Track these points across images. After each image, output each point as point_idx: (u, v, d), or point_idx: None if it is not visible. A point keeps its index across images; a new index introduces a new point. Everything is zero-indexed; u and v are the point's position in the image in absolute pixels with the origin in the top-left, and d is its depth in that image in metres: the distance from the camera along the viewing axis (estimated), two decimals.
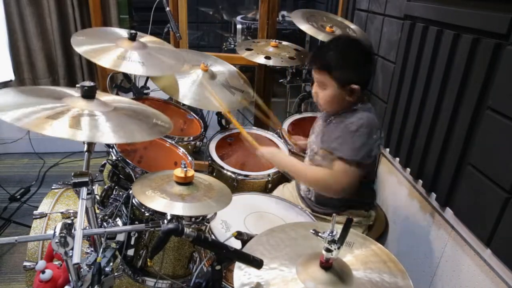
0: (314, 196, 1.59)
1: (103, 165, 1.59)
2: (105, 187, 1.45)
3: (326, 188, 1.44)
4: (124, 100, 1.31)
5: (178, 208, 1.14)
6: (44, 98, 1.07)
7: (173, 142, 1.83)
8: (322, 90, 1.46)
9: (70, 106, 1.06)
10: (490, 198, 1.28)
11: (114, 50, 1.64)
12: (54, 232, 0.94)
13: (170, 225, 0.85)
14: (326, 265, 0.86)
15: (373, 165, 1.62)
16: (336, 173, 1.39)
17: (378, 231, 1.69)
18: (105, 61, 1.57)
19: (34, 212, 1.61)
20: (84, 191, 1.06)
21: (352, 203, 1.56)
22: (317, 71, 1.45)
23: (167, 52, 1.85)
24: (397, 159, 1.86)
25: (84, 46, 1.61)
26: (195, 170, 1.32)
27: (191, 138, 1.95)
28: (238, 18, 3.39)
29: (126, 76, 2.07)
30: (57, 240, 0.93)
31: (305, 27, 2.13)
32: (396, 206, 1.98)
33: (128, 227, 1.27)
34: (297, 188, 1.71)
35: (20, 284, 2.01)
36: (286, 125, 2.24)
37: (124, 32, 1.75)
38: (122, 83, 2.13)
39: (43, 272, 1.18)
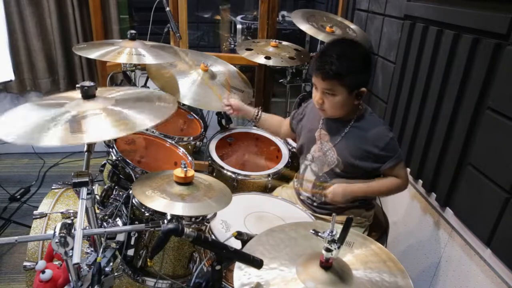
0: (317, 202, 1.59)
1: (103, 165, 1.59)
2: (105, 187, 1.45)
3: (398, 192, 1.53)
4: (122, 89, 1.30)
5: (178, 208, 1.13)
6: (50, 108, 1.08)
7: (173, 142, 1.82)
8: (330, 97, 1.42)
9: (79, 110, 1.06)
10: (490, 198, 1.28)
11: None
12: (54, 232, 0.94)
13: (170, 225, 0.85)
14: (326, 265, 0.86)
15: None
16: (404, 175, 1.51)
17: (378, 231, 1.69)
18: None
19: (34, 212, 1.61)
20: (84, 191, 1.06)
21: (354, 205, 1.56)
22: (324, 79, 1.39)
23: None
24: None
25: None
26: (195, 170, 1.32)
27: (191, 138, 1.95)
28: (238, 18, 3.39)
29: (126, 76, 2.07)
30: (57, 240, 0.93)
31: (305, 27, 2.13)
32: (396, 206, 1.98)
33: (128, 227, 1.27)
34: (296, 192, 1.70)
35: (20, 284, 2.01)
36: None
37: None
38: (122, 83, 2.13)
39: (43, 272, 1.18)
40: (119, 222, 1.33)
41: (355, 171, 1.50)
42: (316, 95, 1.46)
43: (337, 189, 1.48)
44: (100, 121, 1.01)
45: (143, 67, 2.13)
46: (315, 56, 1.47)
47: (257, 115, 1.79)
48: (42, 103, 1.16)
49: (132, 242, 1.29)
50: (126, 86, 2.11)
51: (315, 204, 1.60)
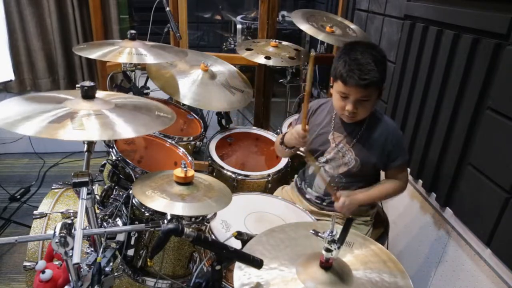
0: (327, 201, 1.60)
1: (103, 165, 1.59)
2: (105, 187, 1.45)
3: (398, 194, 1.56)
4: (123, 96, 1.31)
5: (178, 208, 1.13)
6: (46, 104, 1.08)
7: (173, 142, 1.82)
8: (365, 103, 1.40)
9: (76, 108, 1.06)
10: (490, 198, 1.28)
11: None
12: (54, 232, 0.94)
13: (170, 225, 0.85)
14: (326, 265, 0.86)
15: None
16: (406, 178, 1.55)
17: (378, 231, 1.69)
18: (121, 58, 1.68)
19: (34, 212, 1.61)
20: (84, 191, 1.06)
21: None
22: (366, 88, 1.35)
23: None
24: None
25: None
26: (195, 170, 1.32)
27: (191, 138, 1.95)
28: (238, 18, 3.39)
29: (126, 76, 2.07)
30: (57, 240, 0.93)
31: (305, 27, 2.13)
32: (396, 206, 1.98)
33: (128, 227, 1.27)
34: (300, 192, 1.70)
35: (20, 284, 2.01)
36: (286, 125, 2.25)
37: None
38: (122, 83, 2.12)
39: (43, 272, 1.18)
40: (119, 222, 1.33)
41: (370, 169, 1.52)
42: (345, 104, 1.40)
43: (345, 198, 1.47)
44: (88, 122, 1.01)
45: (143, 67, 2.13)
46: (342, 67, 1.36)
47: None
48: (42, 96, 1.16)
49: (132, 242, 1.29)
50: (126, 86, 2.11)
51: (324, 203, 1.60)
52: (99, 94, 1.17)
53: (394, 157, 1.49)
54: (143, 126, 1.08)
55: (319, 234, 0.88)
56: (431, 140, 1.63)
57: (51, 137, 0.92)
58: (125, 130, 1.03)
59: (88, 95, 1.11)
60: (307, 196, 1.65)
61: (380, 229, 1.70)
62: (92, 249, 1.21)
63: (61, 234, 0.93)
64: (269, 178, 1.85)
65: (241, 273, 0.88)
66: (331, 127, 1.56)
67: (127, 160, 1.48)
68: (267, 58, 2.17)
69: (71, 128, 0.96)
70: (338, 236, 0.84)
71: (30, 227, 1.59)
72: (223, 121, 2.16)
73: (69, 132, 0.95)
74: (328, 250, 0.84)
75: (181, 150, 1.78)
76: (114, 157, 1.49)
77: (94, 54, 1.62)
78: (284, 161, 1.95)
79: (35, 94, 1.18)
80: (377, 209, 1.70)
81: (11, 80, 2.58)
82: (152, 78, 2.04)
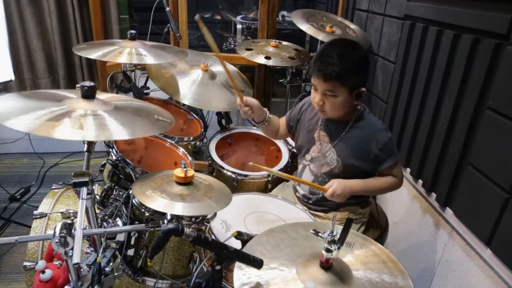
0: (313, 200, 1.60)
1: (103, 165, 1.59)
2: (105, 187, 1.45)
3: (393, 190, 1.54)
4: (124, 98, 1.31)
5: (178, 208, 1.14)
6: (46, 101, 1.08)
7: (173, 142, 1.82)
8: (331, 98, 1.41)
9: (73, 107, 1.06)
10: (490, 198, 1.28)
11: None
12: (54, 232, 0.94)
13: (170, 225, 0.85)
14: (326, 265, 0.86)
15: None
16: (400, 175, 1.53)
17: (378, 231, 1.69)
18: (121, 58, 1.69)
19: (34, 212, 1.61)
20: (84, 191, 1.06)
21: (350, 202, 1.57)
22: (325, 81, 1.37)
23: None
24: None
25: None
26: (195, 170, 1.32)
27: (191, 138, 1.95)
28: (238, 18, 3.39)
29: (126, 76, 2.07)
30: (57, 240, 0.93)
31: (305, 27, 2.13)
32: (396, 206, 1.98)
33: (128, 227, 1.27)
34: (293, 189, 1.71)
35: (20, 284, 2.01)
36: None
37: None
38: (122, 83, 2.12)
39: (43, 272, 1.18)
40: (119, 222, 1.33)
41: (354, 171, 1.50)
42: (315, 96, 1.44)
43: (336, 186, 1.46)
44: (83, 122, 1.01)
45: (143, 67, 2.13)
46: (314, 57, 1.43)
47: (268, 117, 1.69)
48: (41, 93, 1.17)
49: (132, 242, 1.29)
50: (126, 86, 2.11)
51: (310, 202, 1.61)
52: (102, 96, 1.17)
53: (382, 160, 1.47)
54: (138, 128, 1.10)
55: (319, 234, 0.88)
56: (431, 140, 1.63)
57: (46, 135, 0.93)
58: (118, 132, 1.03)
59: (88, 95, 1.11)
60: (297, 194, 1.68)
61: (377, 229, 1.70)
62: (92, 249, 1.21)
63: (61, 234, 0.93)
64: (269, 178, 1.85)
65: (241, 273, 0.88)
66: (318, 125, 1.57)
67: (127, 160, 1.48)
68: (267, 58, 2.17)
69: (66, 126, 0.97)
70: (338, 236, 0.84)
71: (30, 227, 1.59)
72: (223, 121, 2.16)
73: (63, 131, 0.95)
74: (328, 250, 0.84)
75: (181, 150, 1.78)
76: (114, 157, 1.49)
77: (94, 54, 1.62)
78: (284, 161, 1.95)
79: (35, 90, 1.19)
80: (372, 210, 1.69)
81: (11, 80, 2.58)
82: (152, 78, 2.04)
